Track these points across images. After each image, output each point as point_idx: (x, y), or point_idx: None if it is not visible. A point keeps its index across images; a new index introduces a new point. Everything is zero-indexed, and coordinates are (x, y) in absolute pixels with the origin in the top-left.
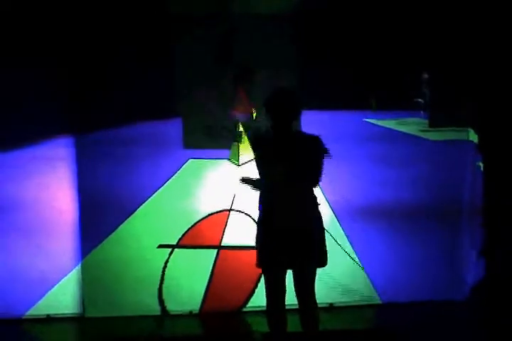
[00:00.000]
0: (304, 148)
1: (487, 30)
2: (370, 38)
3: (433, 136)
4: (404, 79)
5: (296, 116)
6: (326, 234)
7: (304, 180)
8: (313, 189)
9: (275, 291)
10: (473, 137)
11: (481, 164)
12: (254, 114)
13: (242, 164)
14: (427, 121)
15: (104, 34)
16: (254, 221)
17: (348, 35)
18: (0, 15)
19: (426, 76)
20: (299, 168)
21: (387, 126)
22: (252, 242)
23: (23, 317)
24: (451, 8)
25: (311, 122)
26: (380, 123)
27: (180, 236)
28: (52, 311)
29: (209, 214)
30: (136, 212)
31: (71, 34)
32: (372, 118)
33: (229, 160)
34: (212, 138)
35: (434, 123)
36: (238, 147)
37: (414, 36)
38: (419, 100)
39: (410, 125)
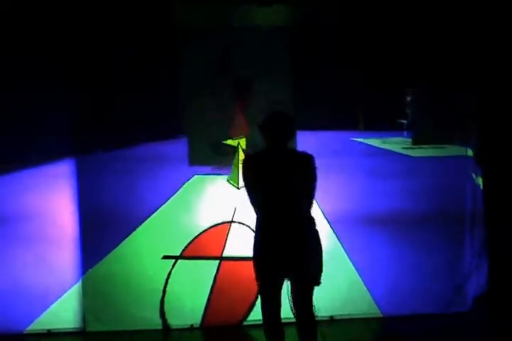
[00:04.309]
0: (299, 167)
1: (476, 47)
2: (366, 55)
3: (414, 152)
4: (389, 101)
5: (291, 139)
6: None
7: (301, 204)
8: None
9: (269, 305)
10: (453, 152)
11: (476, 176)
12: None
13: (242, 187)
14: (409, 140)
15: (108, 50)
16: (253, 231)
17: (344, 49)
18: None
19: (408, 99)
20: (295, 187)
21: (373, 144)
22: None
23: (24, 332)
24: (434, 29)
25: (305, 141)
26: (366, 141)
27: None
28: (53, 326)
29: (210, 227)
30: (139, 228)
31: (75, 51)
32: (359, 137)
33: (228, 181)
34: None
35: (417, 141)
36: (238, 168)
37: (403, 60)
38: (402, 121)
39: (393, 143)
